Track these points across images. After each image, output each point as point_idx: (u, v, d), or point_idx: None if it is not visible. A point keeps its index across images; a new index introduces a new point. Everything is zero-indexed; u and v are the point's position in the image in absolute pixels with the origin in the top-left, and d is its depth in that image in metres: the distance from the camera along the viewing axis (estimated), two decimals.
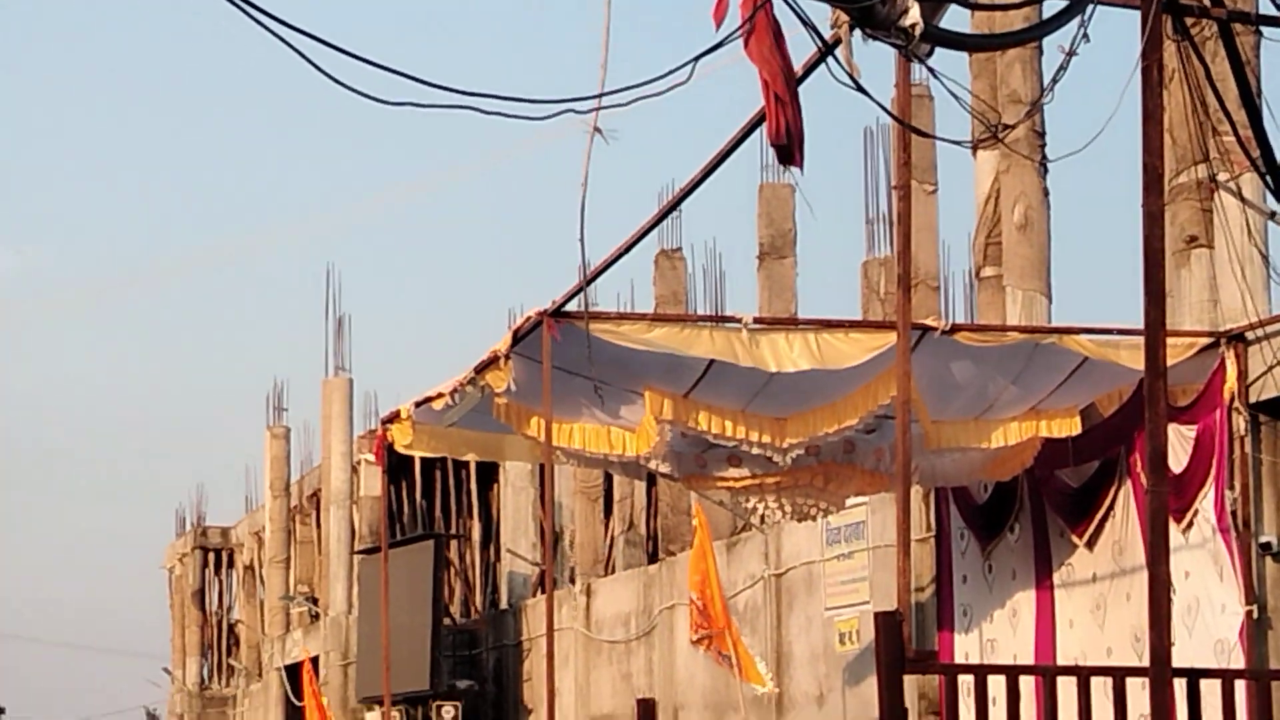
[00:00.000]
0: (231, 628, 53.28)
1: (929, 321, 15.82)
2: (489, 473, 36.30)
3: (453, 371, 16.79)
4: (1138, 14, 10.89)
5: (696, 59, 7.07)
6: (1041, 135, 18.68)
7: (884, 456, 16.88)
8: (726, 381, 15.72)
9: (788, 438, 16.15)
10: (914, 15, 7.88)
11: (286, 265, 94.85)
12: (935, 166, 21.62)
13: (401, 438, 18.18)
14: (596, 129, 7.03)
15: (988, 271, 19.67)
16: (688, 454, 16.97)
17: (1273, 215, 15.18)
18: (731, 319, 15.79)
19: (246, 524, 50.66)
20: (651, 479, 26.15)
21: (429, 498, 38.71)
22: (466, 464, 36.21)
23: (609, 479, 30.42)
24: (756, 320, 15.80)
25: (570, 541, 32.13)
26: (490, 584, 37.13)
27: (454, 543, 37.96)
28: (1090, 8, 10.12)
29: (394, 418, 18.26)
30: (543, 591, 31.66)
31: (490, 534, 37.29)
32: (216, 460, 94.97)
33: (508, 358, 15.58)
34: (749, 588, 23.43)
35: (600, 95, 6.97)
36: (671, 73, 7.10)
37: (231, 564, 53.07)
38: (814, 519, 18.32)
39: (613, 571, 30.33)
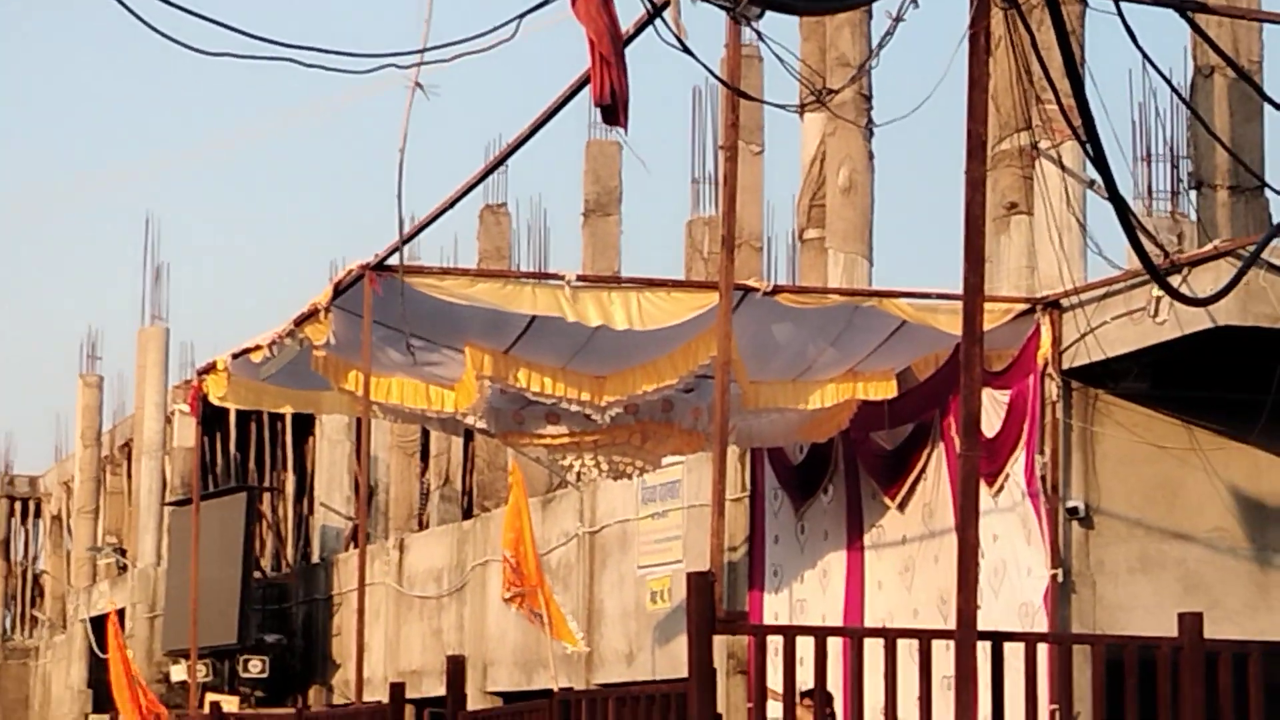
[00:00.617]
0: (36, 578, 52.55)
1: (751, 282, 15.86)
2: (305, 425, 36.03)
3: (272, 324, 16.62)
4: None
5: (521, 16, 7.00)
6: (868, 99, 18.79)
7: (701, 416, 16.91)
8: (547, 339, 15.67)
9: (606, 396, 16.14)
10: None
11: (105, 212, 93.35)
12: (762, 128, 21.70)
13: (216, 389, 17.97)
14: (417, 84, 6.93)
15: (811, 234, 19.77)
16: (506, 410, 16.91)
17: (1092, 184, 15.35)
18: (554, 276, 15.73)
19: (55, 473, 49.95)
20: (469, 435, 26.04)
21: (243, 450, 38.36)
22: (282, 416, 35.90)
23: (425, 434, 30.29)
24: (580, 277, 15.76)
25: (385, 496, 31.98)
26: (303, 538, 36.89)
27: (267, 495, 37.67)
28: None
29: (210, 369, 18.05)
30: (355, 546, 31.49)
31: (304, 487, 37.04)
32: (26, 408, 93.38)
33: (328, 311, 15.43)
34: (563, 545, 23.43)
35: (423, 50, 6.87)
36: (496, 29, 7.01)
37: (39, 513, 52.32)
38: (630, 477, 18.34)
39: (427, 527, 30.22)
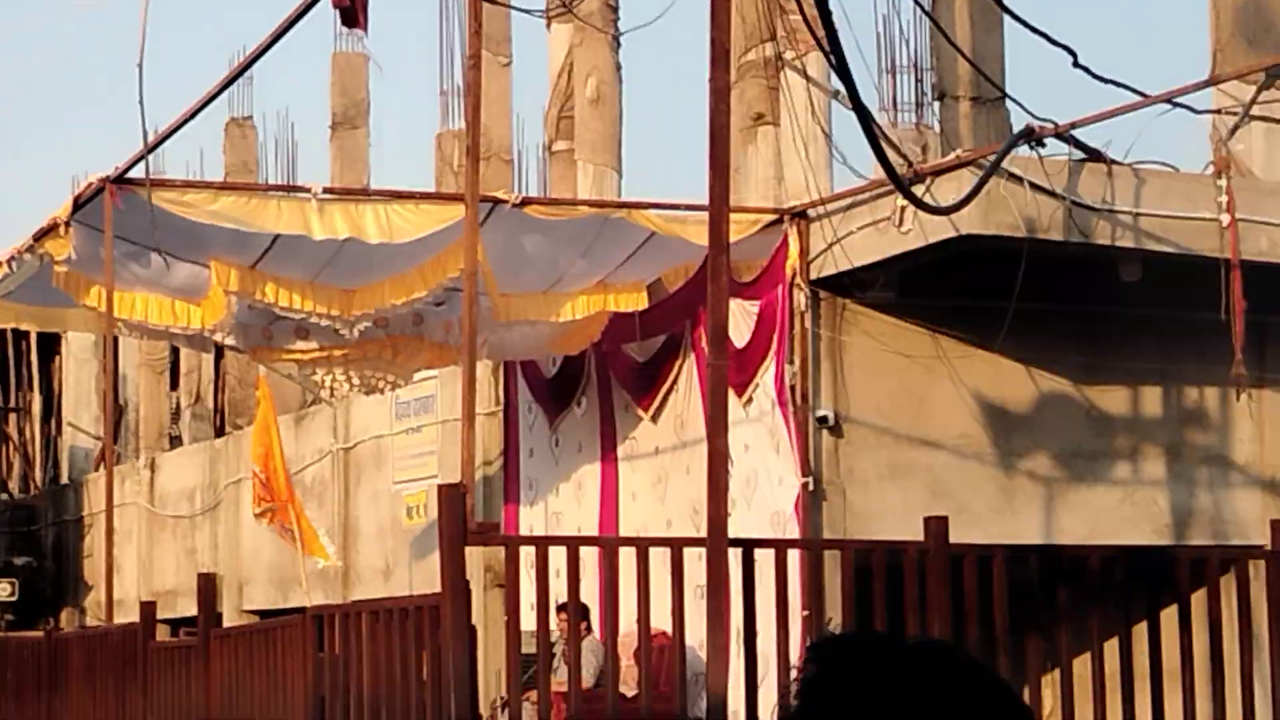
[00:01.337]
0: None
1: (500, 194, 15.78)
2: (50, 344, 35.36)
3: (10, 240, 16.24)
4: None
5: None
6: (615, 9, 18.75)
7: (453, 329, 16.83)
8: (295, 253, 15.47)
9: (355, 309, 15.99)
10: None
11: None
12: (510, 39, 21.58)
13: None
14: None
15: (560, 145, 19.72)
16: (254, 326, 16.70)
17: (836, 94, 15.46)
18: (301, 189, 15.53)
19: None
20: (219, 351, 25.72)
21: None
22: (26, 334, 35.18)
23: (175, 351, 29.89)
24: (326, 190, 15.56)
25: (135, 415, 31.52)
26: (51, 458, 36.25)
27: (13, 416, 36.95)
28: None
29: None
30: (105, 466, 31.01)
31: (51, 407, 36.37)
32: None
33: (68, 225, 15.10)
34: (317, 461, 23.25)
35: None
36: None
37: None
38: (382, 392, 18.23)
39: (178, 445, 29.85)
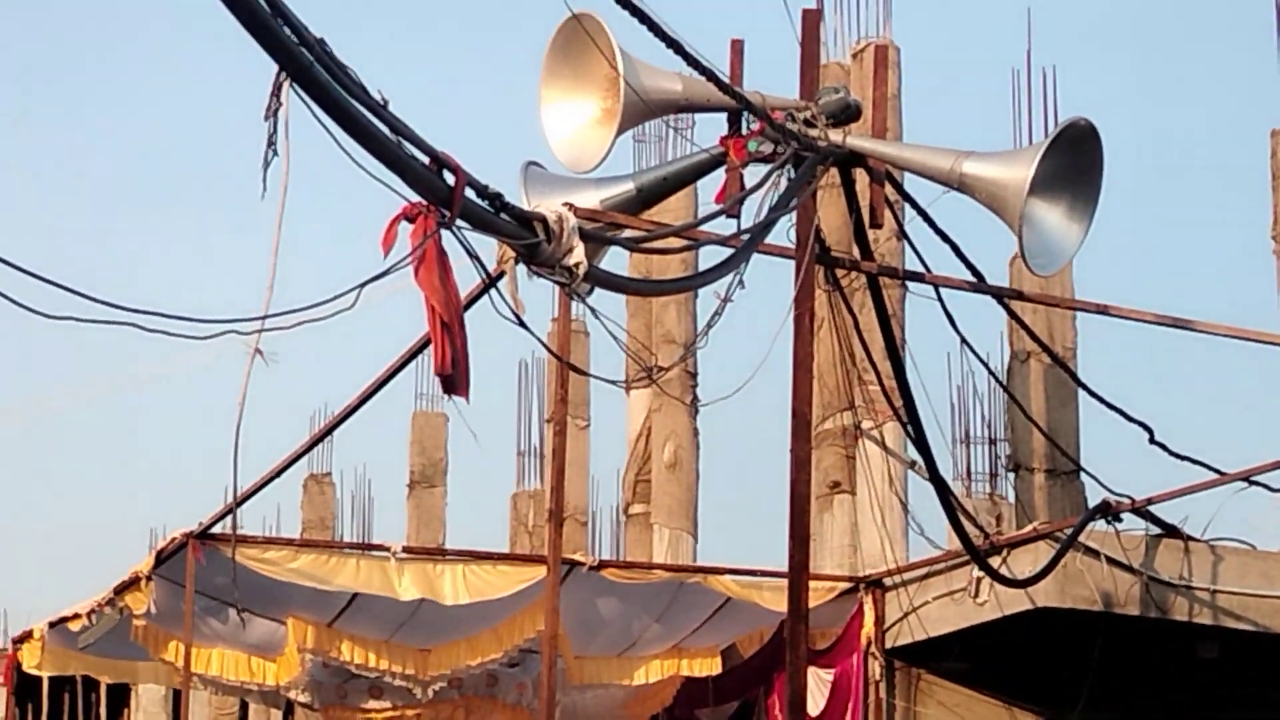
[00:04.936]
0: None
1: (577, 556, 15.86)
2: (120, 696, 35.23)
3: (85, 591, 16.35)
4: (791, 263, 11.21)
5: (364, 285, 7.05)
6: (693, 376, 19.04)
7: (526, 691, 16.80)
8: (371, 611, 15.54)
9: (430, 669, 16.00)
10: (578, 255, 7.99)
11: None
12: (588, 402, 21.90)
13: (31, 658, 17.61)
14: (258, 350, 6.96)
15: (636, 508, 19.87)
16: (329, 684, 16.70)
17: (913, 465, 15.58)
18: (380, 547, 15.64)
19: None
20: (289, 708, 25.65)
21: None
22: (97, 685, 35.11)
23: (244, 706, 29.75)
24: (405, 549, 15.68)
25: None
26: None
27: None
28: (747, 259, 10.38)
29: (26, 637, 17.70)
30: None
31: None
32: None
33: (149, 579, 15.21)
34: None
35: (264, 317, 6.92)
36: (337, 297, 7.08)
37: None
38: None
39: None
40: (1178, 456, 13.53)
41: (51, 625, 16.98)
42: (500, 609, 15.48)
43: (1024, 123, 16.01)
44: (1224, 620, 14.34)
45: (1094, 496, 14.79)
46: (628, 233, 11.14)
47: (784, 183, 11.03)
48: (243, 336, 6.97)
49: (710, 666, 16.77)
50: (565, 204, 8.60)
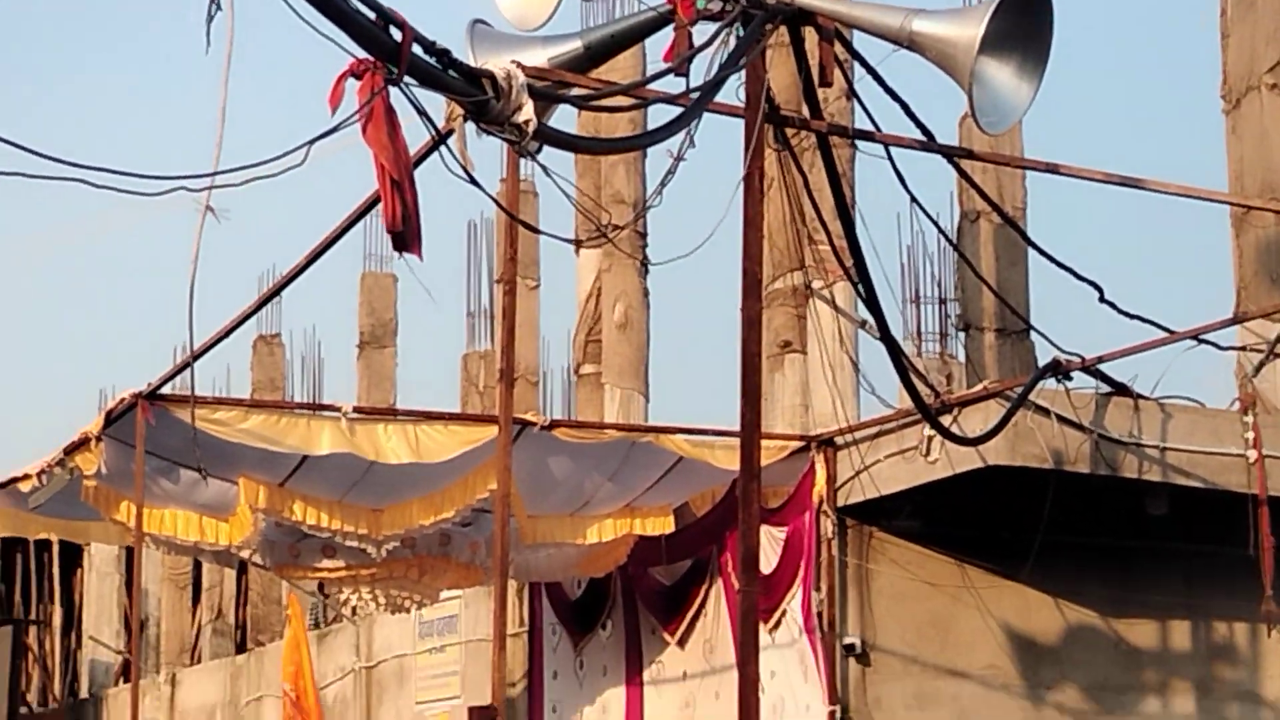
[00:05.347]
0: None
1: (528, 416, 15.87)
2: (72, 556, 35.34)
3: (36, 453, 16.30)
4: (740, 123, 11.14)
5: (313, 141, 7.00)
6: (643, 236, 18.99)
7: (479, 550, 16.86)
8: (323, 471, 15.54)
9: (383, 529, 16.03)
10: (528, 112, 7.93)
11: None
12: (538, 263, 21.86)
13: None
14: (209, 208, 6.90)
15: (587, 369, 19.87)
16: (281, 543, 16.72)
17: (864, 324, 15.59)
18: (330, 407, 15.62)
19: None
20: (242, 567, 25.73)
21: (8, 581, 37.51)
22: (49, 546, 35.21)
23: (198, 566, 29.86)
24: (356, 410, 15.65)
25: (156, 630, 31.43)
26: (71, 672, 36.09)
27: (33, 628, 36.84)
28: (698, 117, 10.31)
29: None
30: (126, 681, 30.89)
31: (72, 620, 36.28)
32: None
33: (99, 439, 15.17)
34: (339, 680, 23.15)
35: (215, 174, 6.86)
36: (287, 154, 7.02)
37: None
38: (407, 611, 18.19)
39: (200, 661, 29.72)
40: (1127, 315, 13.55)
41: (1, 486, 16.93)
42: (452, 469, 15.49)
43: None
44: (1173, 477, 14.43)
45: (1044, 355, 14.84)
46: (576, 91, 11.06)
47: (733, 41, 10.95)
48: (193, 194, 6.92)
49: (663, 525, 16.83)
50: (513, 61, 8.52)
